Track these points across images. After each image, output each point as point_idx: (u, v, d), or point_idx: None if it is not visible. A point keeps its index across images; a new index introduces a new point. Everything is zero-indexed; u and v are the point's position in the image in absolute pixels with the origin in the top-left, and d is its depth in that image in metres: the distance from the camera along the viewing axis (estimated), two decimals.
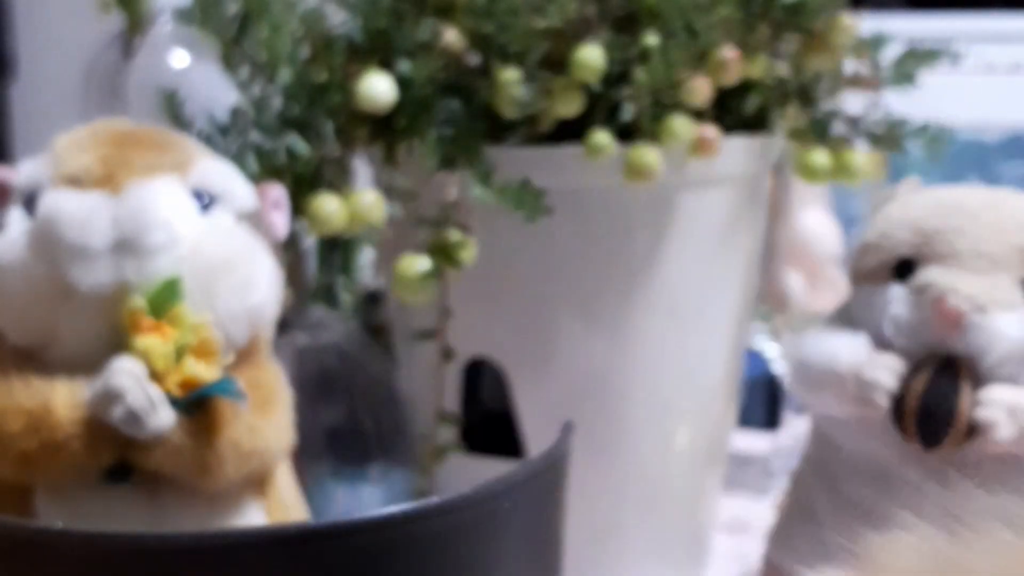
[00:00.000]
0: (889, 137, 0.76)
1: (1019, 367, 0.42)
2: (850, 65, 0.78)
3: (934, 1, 1.03)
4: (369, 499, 0.83)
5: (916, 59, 0.78)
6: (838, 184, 0.78)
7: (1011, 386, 0.42)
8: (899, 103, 0.78)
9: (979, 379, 0.43)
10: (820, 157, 0.76)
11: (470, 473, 0.61)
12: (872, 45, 0.79)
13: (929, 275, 0.44)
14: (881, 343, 0.46)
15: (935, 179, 1.01)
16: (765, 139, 0.80)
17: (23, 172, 0.59)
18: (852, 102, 0.80)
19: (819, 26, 0.74)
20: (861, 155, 0.76)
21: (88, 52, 1.05)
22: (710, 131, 0.73)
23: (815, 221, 0.98)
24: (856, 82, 0.77)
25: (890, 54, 0.79)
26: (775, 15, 0.74)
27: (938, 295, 0.43)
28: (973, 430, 0.41)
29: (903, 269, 0.46)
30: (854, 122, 0.78)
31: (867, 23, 0.79)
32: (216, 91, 0.93)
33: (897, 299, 0.46)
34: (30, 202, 0.57)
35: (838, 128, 0.78)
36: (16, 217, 0.57)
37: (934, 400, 0.43)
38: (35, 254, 0.55)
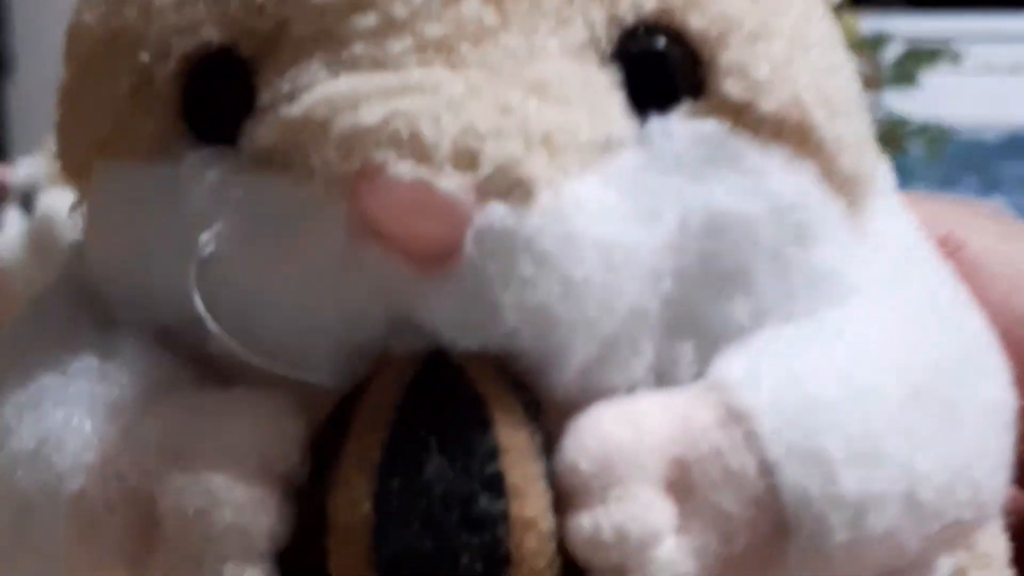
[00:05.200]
0: (889, 137, 0.76)
1: None
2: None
3: (935, 1, 1.02)
4: None
5: (917, 59, 0.78)
6: None
7: None
8: (899, 102, 0.78)
9: None
10: None
11: None
12: (872, 45, 0.79)
13: None
14: None
15: (935, 179, 1.01)
16: None
17: (20, 171, 0.59)
18: None
19: None
20: None
21: None
22: None
23: None
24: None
25: (891, 54, 0.79)
26: None
27: None
28: None
29: None
30: None
31: (868, 22, 0.78)
32: None
33: None
34: (27, 201, 0.57)
35: None
36: (13, 217, 0.58)
37: None
38: (32, 253, 0.55)
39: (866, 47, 0.79)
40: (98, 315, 0.17)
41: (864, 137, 0.18)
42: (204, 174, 0.16)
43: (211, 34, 0.16)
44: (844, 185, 0.17)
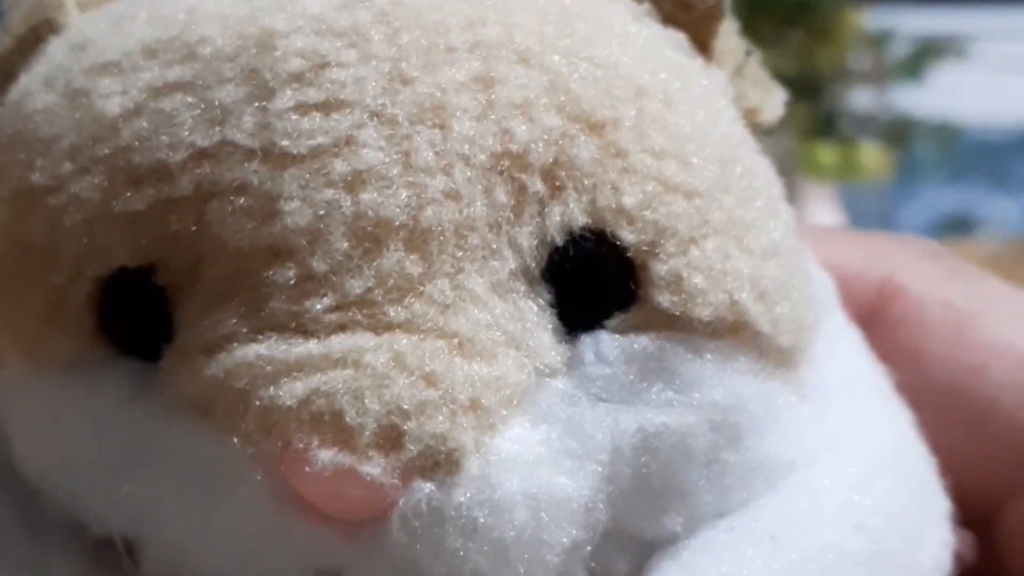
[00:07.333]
0: (897, 135, 0.76)
1: None
2: (856, 61, 0.78)
3: None
4: None
5: (924, 55, 0.78)
6: (846, 181, 0.78)
7: None
8: (909, 100, 0.78)
9: None
10: (827, 154, 0.76)
11: None
12: (878, 41, 0.79)
13: None
14: None
15: (945, 177, 1.00)
16: (772, 135, 0.79)
17: None
18: (861, 99, 0.79)
19: (825, 21, 0.74)
20: (868, 152, 0.76)
21: None
22: None
23: (823, 218, 0.98)
24: (862, 78, 0.77)
25: (898, 50, 0.79)
26: (781, 10, 0.74)
27: None
28: None
29: None
30: (862, 119, 0.78)
31: (874, 18, 0.78)
32: None
33: None
34: None
35: (846, 125, 0.78)
36: None
37: None
38: None
39: (872, 43, 0.79)
40: (27, 508, 0.17)
41: (804, 301, 0.16)
42: (127, 408, 0.15)
43: (125, 260, 0.15)
44: (782, 358, 0.16)
